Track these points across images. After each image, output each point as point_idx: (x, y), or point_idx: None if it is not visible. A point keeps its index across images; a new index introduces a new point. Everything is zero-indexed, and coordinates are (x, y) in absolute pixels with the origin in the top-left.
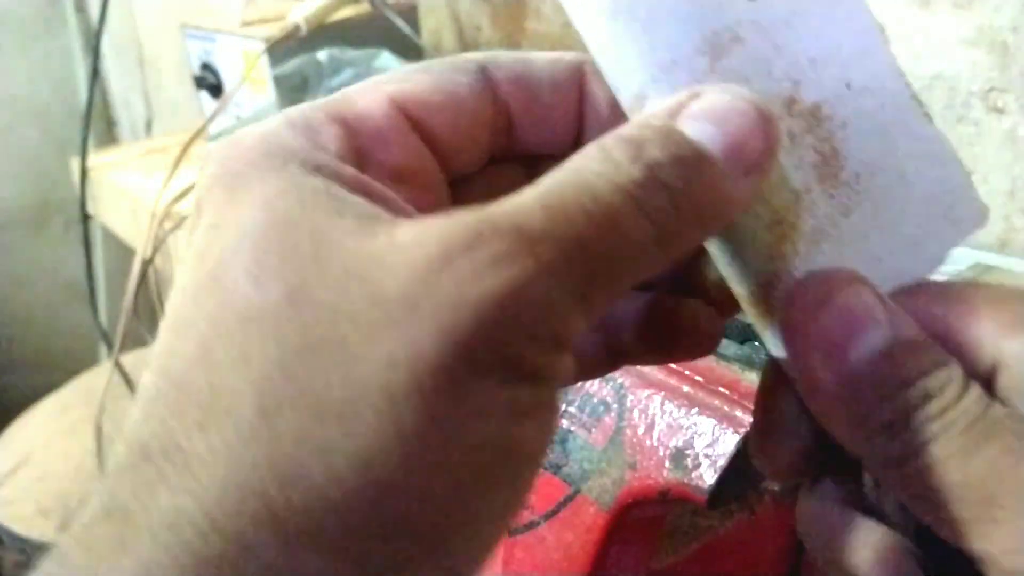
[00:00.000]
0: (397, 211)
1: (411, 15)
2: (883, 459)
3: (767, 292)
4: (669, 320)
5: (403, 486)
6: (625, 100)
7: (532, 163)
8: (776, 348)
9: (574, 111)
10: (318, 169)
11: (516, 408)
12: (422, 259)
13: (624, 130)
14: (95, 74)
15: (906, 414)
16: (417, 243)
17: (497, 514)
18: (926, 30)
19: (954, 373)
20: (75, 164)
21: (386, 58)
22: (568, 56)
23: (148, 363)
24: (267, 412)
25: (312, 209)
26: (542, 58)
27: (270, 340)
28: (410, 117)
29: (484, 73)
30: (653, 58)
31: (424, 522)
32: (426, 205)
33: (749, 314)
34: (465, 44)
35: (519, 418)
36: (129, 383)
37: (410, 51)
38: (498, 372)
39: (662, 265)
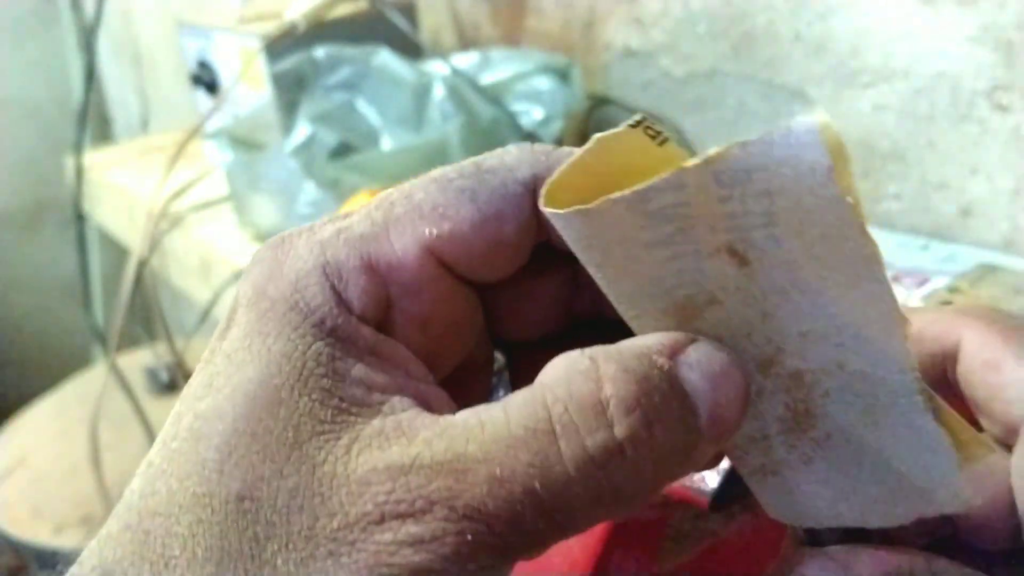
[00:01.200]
0: (403, 380)
1: (410, 12)
2: None
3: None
4: None
5: None
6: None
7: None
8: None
9: None
10: (331, 331)
11: None
12: (357, 513)
13: (613, 371)
14: (90, 72)
15: None
16: (363, 483)
17: None
18: (930, 28)
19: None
20: (70, 163)
21: (384, 56)
22: None
23: (134, 474)
24: None
25: (301, 389)
26: None
27: (215, 537)
28: (446, 263)
29: (531, 199)
30: (623, 303)
31: None
32: (452, 342)
33: None
34: (464, 42)
35: None
36: (125, 384)
37: (409, 49)
38: None
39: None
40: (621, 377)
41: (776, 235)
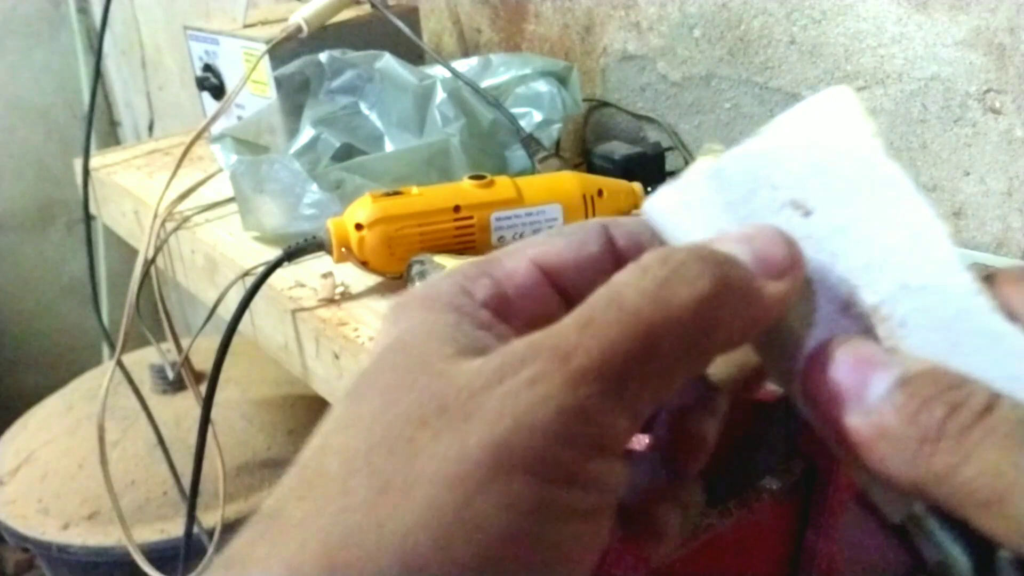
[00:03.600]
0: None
1: (412, 17)
2: (934, 477)
3: None
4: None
5: (433, 559)
6: None
7: None
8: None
9: None
10: (456, 308)
11: (551, 508)
12: (479, 382)
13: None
14: (97, 75)
15: (941, 426)
16: (479, 368)
17: None
18: (923, 32)
19: (974, 387)
20: (78, 165)
21: (387, 60)
22: None
23: None
24: (347, 490)
25: (429, 337)
26: None
27: (363, 436)
28: (548, 274)
29: (606, 232)
30: None
31: None
32: None
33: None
34: (465, 46)
35: (553, 517)
36: (131, 382)
37: (411, 53)
38: (533, 474)
39: (705, 359)
40: (655, 251)
41: (825, 182)
